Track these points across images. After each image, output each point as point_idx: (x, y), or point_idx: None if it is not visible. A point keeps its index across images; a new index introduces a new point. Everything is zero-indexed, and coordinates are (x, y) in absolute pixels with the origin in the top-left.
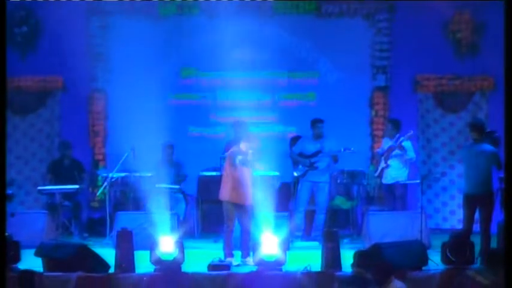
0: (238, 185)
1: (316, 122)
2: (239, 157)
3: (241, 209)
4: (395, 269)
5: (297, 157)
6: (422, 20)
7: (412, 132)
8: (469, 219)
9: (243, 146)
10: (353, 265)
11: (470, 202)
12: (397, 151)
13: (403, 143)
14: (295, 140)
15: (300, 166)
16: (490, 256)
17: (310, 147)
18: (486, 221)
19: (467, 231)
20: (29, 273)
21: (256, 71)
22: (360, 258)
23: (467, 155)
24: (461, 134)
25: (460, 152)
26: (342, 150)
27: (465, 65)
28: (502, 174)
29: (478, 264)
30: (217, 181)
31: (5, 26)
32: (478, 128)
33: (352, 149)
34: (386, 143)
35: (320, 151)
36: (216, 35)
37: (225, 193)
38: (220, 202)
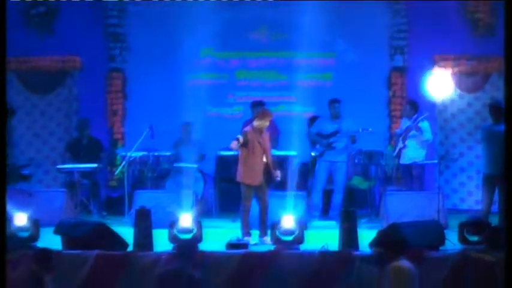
0: (253, 165)
1: (333, 102)
2: (238, 136)
3: (258, 189)
4: (412, 248)
5: (315, 137)
6: (440, 1)
7: (427, 113)
8: (488, 200)
9: (256, 123)
10: (371, 244)
11: (490, 182)
12: (414, 132)
13: (419, 124)
14: (313, 120)
15: (318, 146)
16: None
17: (328, 127)
18: (505, 201)
19: (486, 211)
20: (47, 252)
21: (273, 52)
22: (380, 237)
23: (486, 135)
24: (479, 115)
25: (478, 133)
26: (360, 130)
27: (482, 45)
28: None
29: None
30: (235, 161)
31: (5, 26)
32: (497, 109)
33: (370, 129)
34: (404, 124)
35: (338, 131)
36: (235, 17)
37: (240, 174)
38: (238, 182)
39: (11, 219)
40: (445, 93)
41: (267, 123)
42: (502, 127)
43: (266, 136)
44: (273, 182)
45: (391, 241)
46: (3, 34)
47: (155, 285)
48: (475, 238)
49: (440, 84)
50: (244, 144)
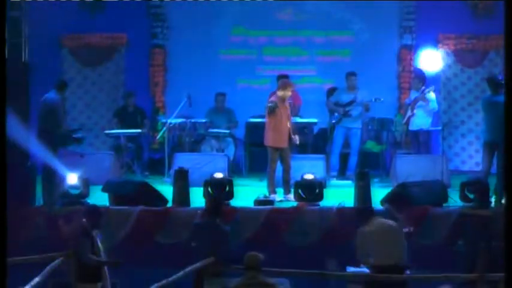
0: (278, 131)
1: (350, 75)
2: (268, 104)
3: (282, 151)
4: (418, 205)
5: (333, 106)
6: None
7: (433, 86)
8: (487, 162)
9: (279, 93)
10: (383, 201)
11: (489, 147)
12: (421, 102)
13: (426, 95)
14: (331, 91)
15: (336, 114)
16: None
17: (345, 97)
18: (502, 164)
19: (486, 173)
20: (97, 208)
21: (297, 30)
22: (391, 196)
23: (486, 105)
24: (478, 87)
25: (478, 103)
26: (373, 100)
27: (481, 25)
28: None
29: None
30: (262, 127)
31: (5, 26)
32: (495, 82)
33: (382, 99)
34: (413, 95)
35: (354, 101)
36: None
37: (268, 138)
38: (265, 145)
39: (64, 178)
40: (435, 68)
41: (289, 93)
42: (499, 98)
43: (287, 104)
44: (292, 146)
45: (399, 198)
46: (3, 34)
47: (190, 237)
48: (475, 196)
49: (431, 59)
50: (272, 112)
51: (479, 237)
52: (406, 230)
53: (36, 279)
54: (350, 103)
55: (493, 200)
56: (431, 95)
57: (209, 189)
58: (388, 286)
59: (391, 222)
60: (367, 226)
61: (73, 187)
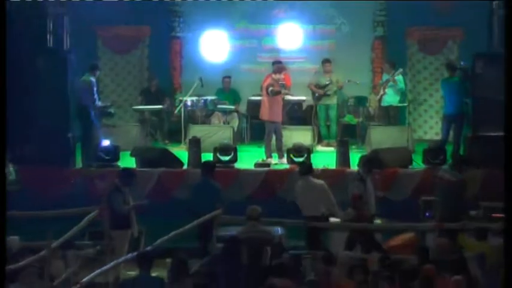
0: (272, 107)
1: (325, 62)
2: (270, 88)
3: (276, 124)
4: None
5: (314, 87)
6: None
7: (401, 70)
8: (446, 132)
9: (274, 76)
10: (358, 164)
11: (448, 120)
12: (391, 83)
13: (396, 77)
14: (315, 73)
15: (316, 94)
16: (457, 160)
17: (322, 79)
18: (458, 133)
19: (444, 141)
20: (129, 169)
21: (291, 24)
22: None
23: (445, 86)
24: (438, 71)
25: (438, 84)
26: (347, 81)
27: (441, 19)
28: (468, 100)
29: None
30: (260, 104)
31: (5, 26)
32: (452, 67)
33: (358, 82)
34: (384, 77)
35: (329, 83)
36: None
37: (263, 113)
38: (262, 119)
39: (98, 145)
40: None
41: (282, 76)
42: (455, 79)
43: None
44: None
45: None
46: (3, 34)
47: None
48: (435, 160)
49: None
50: (274, 95)
51: (448, 194)
52: (379, 194)
53: (75, 229)
54: (326, 85)
55: (449, 162)
56: (400, 77)
57: (217, 154)
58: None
59: (317, 181)
60: (299, 181)
61: (106, 152)
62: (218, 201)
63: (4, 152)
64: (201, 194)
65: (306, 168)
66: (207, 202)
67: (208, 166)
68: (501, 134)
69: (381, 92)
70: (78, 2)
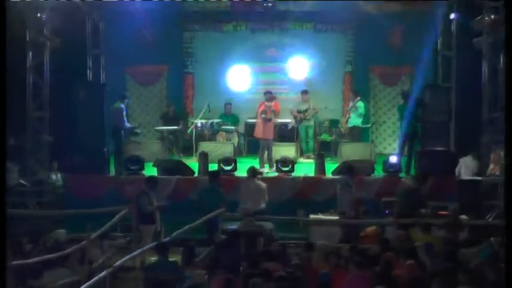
0: (265, 128)
1: (303, 92)
2: (263, 115)
3: (268, 141)
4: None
5: (295, 113)
6: (373, 35)
7: (359, 97)
8: (402, 148)
9: (267, 103)
10: (333, 172)
11: (403, 138)
12: (354, 109)
13: (356, 104)
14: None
15: (297, 118)
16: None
17: (302, 106)
18: (411, 148)
19: (400, 154)
20: (153, 177)
21: (279, 62)
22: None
23: (399, 110)
24: (394, 99)
25: (395, 109)
26: (323, 107)
27: (397, 58)
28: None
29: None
30: (255, 125)
31: (5, 26)
32: (405, 95)
33: (331, 108)
34: (350, 104)
35: (307, 108)
36: (254, 42)
37: (258, 132)
38: (256, 137)
39: (127, 157)
40: None
41: (273, 103)
42: (408, 106)
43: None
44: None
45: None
46: (3, 34)
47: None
48: (392, 169)
49: None
50: (267, 121)
51: (406, 196)
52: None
53: (110, 224)
54: (305, 110)
55: (403, 174)
56: (360, 104)
57: (221, 165)
58: None
59: (259, 182)
60: (244, 181)
61: (133, 163)
62: (222, 202)
63: (4, 152)
64: (209, 196)
65: (252, 172)
66: (213, 202)
67: (215, 174)
68: (444, 149)
69: (347, 116)
70: (112, 45)
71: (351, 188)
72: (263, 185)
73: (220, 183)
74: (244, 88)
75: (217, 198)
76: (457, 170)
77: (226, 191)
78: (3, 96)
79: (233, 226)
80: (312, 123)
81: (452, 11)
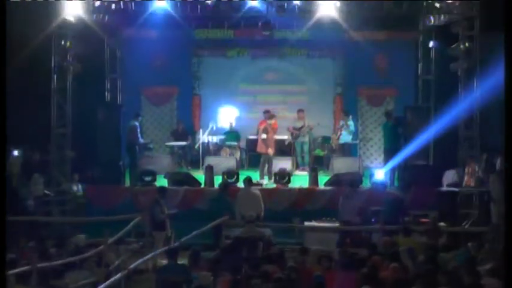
0: (264, 143)
1: (299, 111)
2: (262, 134)
3: (267, 155)
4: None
5: (292, 130)
6: (361, 60)
7: (351, 116)
8: (386, 162)
9: (268, 121)
10: (325, 184)
11: (387, 153)
12: (345, 126)
13: (348, 122)
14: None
15: (293, 134)
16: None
17: (297, 124)
18: (394, 162)
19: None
20: (164, 188)
21: (277, 85)
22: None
23: (384, 128)
24: (380, 118)
25: (380, 127)
26: (317, 124)
27: (381, 81)
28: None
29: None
30: (256, 141)
31: (5, 26)
32: (389, 115)
33: (324, 125)
34: (341, 123)
35: (302, 126)
36: (256, 65)
37: (259, 147)
38: (257, 152)
39: (141, 170)
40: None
41: (274, 121)
42: (391, 124)
43: (272, 127)
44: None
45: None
46: (3, 34)
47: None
48: (377, 181)
49: None
50: (266, 132)
51: (392, 205)
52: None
53: (125, 230)
54: (301, 127)
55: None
56: (351, 122)
57: (225, 177)
58: None
59: (255, 191)
60: (240, 191)
61: (147, 175)
62: (229, 210)
63: (4, 152)
64: (218, 205)
65: (248, 182)
66: (222, 210)
67: (224, 185)
68: (424, 163)
69: (339, 133)
70: (127, 69)
71: (353, 199)
72: (257, 193)
73: (229, 193)
74: (246, 108)
75: (226, 207)
76: (443, 180)
77: (231, 199)
78: (3, 96)
79: (236, 232)
80: (306, 139)
81: (431, 39)
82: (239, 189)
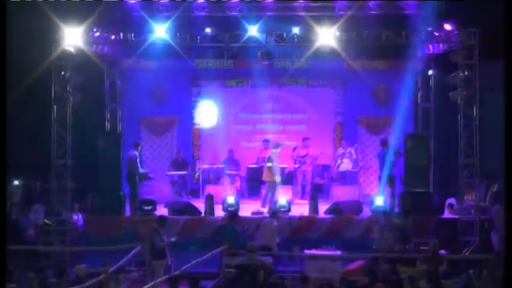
0: (270, 171)
1: (304, 139)
2: (268, 163)
3: (273, 183)
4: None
5: (296, 157)
6: (360, 88)
7: (357, 145)
8: (383, 189)
9: (274, 150)
10: (325, 212)
11: (383, 180)
12: (348, 155)
13: (352, 151)
14: (295, 148)
15: (298, 162)
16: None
17: (301, 152)
18: (392, 190)
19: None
20: (163, 217)
21: (276, 114)
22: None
23: (379, 156)
24: (377, 146)
25: (377, 154)
26: (320, 153)
27: (381, 111)
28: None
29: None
30: (257, 170)
31: (5, 26)
32: (385, 143)
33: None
34: (340, 151)
35: (307, 154)
36: (255, 95)
37: (265, 176)
38: (257, 180)
39: (141, 200)
40: None
41: (279, 150)
42: (387, 151)
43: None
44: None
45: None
46: (3, 34)
47: (214, 233)
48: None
49: None
50: (269, 161)
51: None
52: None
53: (125, 259)
54: (305, 156)
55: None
56: (353, 151)
57: (224, 206)
58: None
59: (270, 220)
60: (266, 220)
61: (147, 205)
62: (236, 239)
63: (5, 156)
64: (224, 233)
65: (273, 213)
66: (229, 239)
67: (232, 215)
68: (424, 190)
69: (338, 162)
70: (127, 99)
71: (388, 229)
72: (275, 224)
73: (236, 222)
74: (245, 137)
75: (232, 236)
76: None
77: (237, 228)
78: (3, 96)
79: (237, 260)
80: (309, 168)
81: (430, 68)
82: (240, 218)
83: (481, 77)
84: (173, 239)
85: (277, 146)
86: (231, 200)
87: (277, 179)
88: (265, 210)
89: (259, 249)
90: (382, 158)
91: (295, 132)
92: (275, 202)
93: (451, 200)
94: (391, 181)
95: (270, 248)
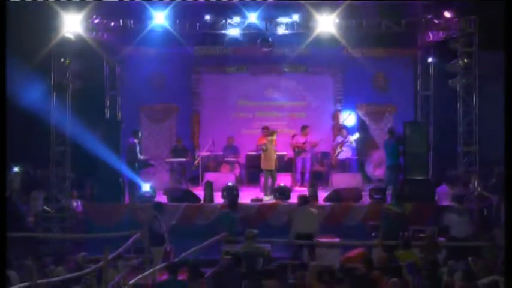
0: (269, 159)
1: (303, 127)
2: (263, 146)
3: (270, 171)
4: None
5: (294, 144)
6: (360, 76)
7: (357, 133)
8: (387, 177)
9: (269, 137)
10: (324, 199)
11: (388, 168)
12: (347, 142)
13: (352, 138)
14: (293, 136)
15: (296, 149)
16: (399, 197)
17: (300, 139)
18: (396, 177)
19: (386, 184)
20: (161, 203)
21: (276, 101)
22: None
23: (386, 144)
24: (379, 134)
25: (384, 143)
26: (320, 139)
27: (380, 98)
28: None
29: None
30: (256, 157)
31: (5, 26)
32: (391, 131)
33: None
34: (339, 139)
35: (306, 141)
36: (255, 82)
37: (263, 164)
38: (256, 167)
39: (140, 187)
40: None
41: (275, 137)
42: (392, 140)
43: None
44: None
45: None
46: (3, 34)
47: (214, 220)
48: (378, 196)
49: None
50: (264, 151)
51: (391, 221)
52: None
53: (124, 246)
54: (304, 143)
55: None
56: (352, 139)
57: (224, 193)
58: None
59: (312, 209)
60: (296, 209)
61: (146, 192)
62: (236, 226)
63: (4, 152)
64: (226, 219)
65: (303, 200)
66: (229, 227)
67: (233, 201)
68: (423, 178)
69: (338, 150)
70: (127, 86)
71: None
72: (315, 211)
73: (237, 210)
74: (244, 124)
75: (233, 223)
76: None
77: (237, 216)
78: (3, 96)
79: (236, 248)
80: (308, 155)
81: (429, 56)
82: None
83: (481, 65)
84: (173, 222)
85: (272, 132)
86: (230, 187)
87: (272, 165)
88: (268, 198)
89: (299, 238)
90: (389, 147)
91: (295, 120)
92: (276, 188)
93: (443, 188)
94: (398, 170)
95: (311, 236)
